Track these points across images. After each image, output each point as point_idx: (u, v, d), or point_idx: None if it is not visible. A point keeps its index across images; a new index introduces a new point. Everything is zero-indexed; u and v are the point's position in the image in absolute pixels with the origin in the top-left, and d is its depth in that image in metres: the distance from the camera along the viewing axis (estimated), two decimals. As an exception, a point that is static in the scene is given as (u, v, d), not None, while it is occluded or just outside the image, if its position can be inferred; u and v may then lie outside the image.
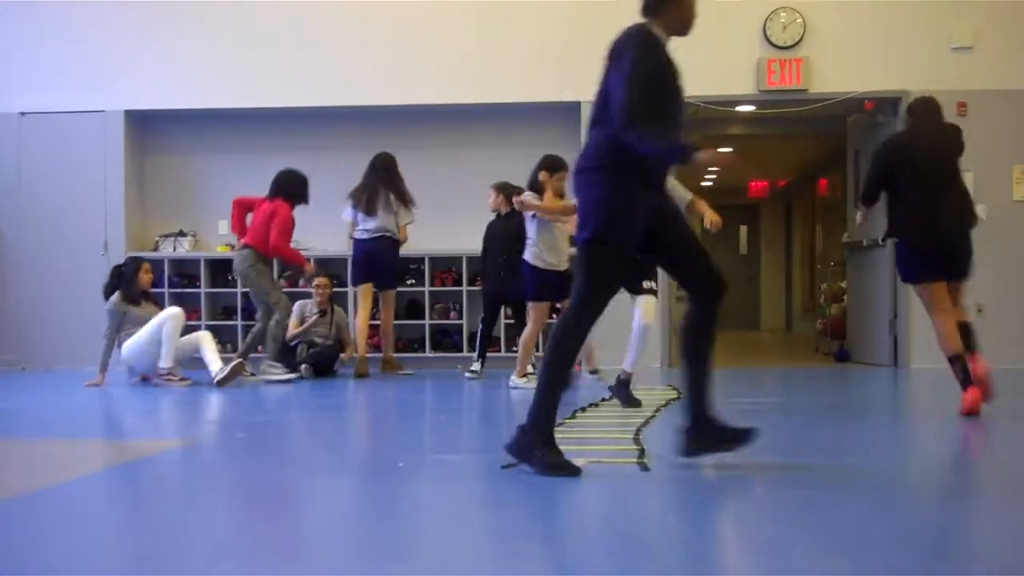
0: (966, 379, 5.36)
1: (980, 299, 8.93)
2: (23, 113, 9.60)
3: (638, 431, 4.85)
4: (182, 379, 7.63)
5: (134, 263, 8.04)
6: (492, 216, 8.26)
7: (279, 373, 7.88)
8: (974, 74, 8.90)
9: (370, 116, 9.58)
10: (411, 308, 9.57)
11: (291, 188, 8.12)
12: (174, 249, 9.68)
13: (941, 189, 5.46)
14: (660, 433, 4.96)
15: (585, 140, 4.03)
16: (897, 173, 5.54)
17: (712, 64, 9.09)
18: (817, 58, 8.99)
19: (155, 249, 9.72)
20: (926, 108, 5.83)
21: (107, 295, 7.89)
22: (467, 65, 9.28)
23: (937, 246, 5.43)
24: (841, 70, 9.01)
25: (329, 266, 9.41)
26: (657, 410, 5.74)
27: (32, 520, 3.29)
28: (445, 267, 9.55)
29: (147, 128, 9.90)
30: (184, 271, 9.79)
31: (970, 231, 5.51)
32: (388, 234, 8.28)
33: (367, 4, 9.42)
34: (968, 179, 8.80)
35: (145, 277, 7.98)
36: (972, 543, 2.96)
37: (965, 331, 5.56)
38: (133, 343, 7.71)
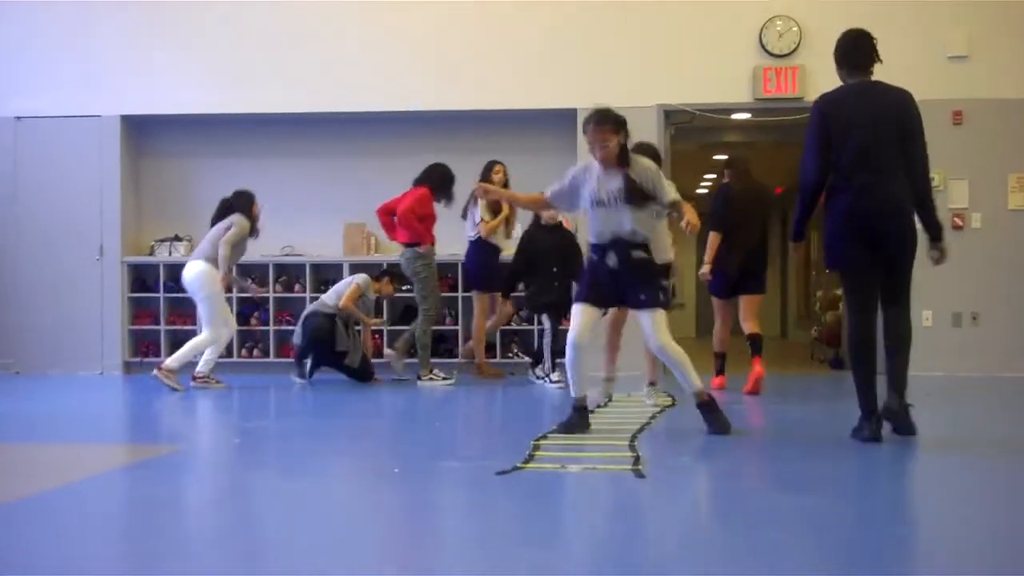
0: (721, 369, 7.74)
1: (975, 307, 8.96)
2: (19, 117, 9.59)
3: (633, 438, 4.85)
4: (178, 382, 7.60)
5: (247, 195, 8.03)
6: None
7: (438, 378, 8.03)
8: (970, 83, 8.92)
9: (367, 122, 9.57)
10: (407, 314, 9.56)
11: (435, 179, 8.12)
12: (170, 254, 9.66)
13: (748, 232, 7.50)
14: (655, 440, 4.97)
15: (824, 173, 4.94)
16: (728, 216, 7.45)
17: (708, 72, 9.12)
18: (813, 66, 9.00)
19: (151, 254, 9.71)
20: (743, 165, 7.92)
21: (216, 221, 7.93)
22: (463, 71, 9.28)
23: (739, 272, 7.48)
24: (837, 78, 8.98)
25: (324, 271, 9.42)
26: (652, 417, 5.73)
27: (30, 524, 3.29)
28: (441, 273, 9.53)
29: (143, 133, 9.89)
30: (179, 276, 9.72)
31: (765, 266, 7.82)
32: (470, 238, 8.51)
33: (363, 9, 9.41)
34: (963, 188, 8.92)
35: (256, 209, 8.02)
36: (965, 551, 2.97)
37: (757, 340, 7.54)
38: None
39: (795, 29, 9.04)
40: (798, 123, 9.43)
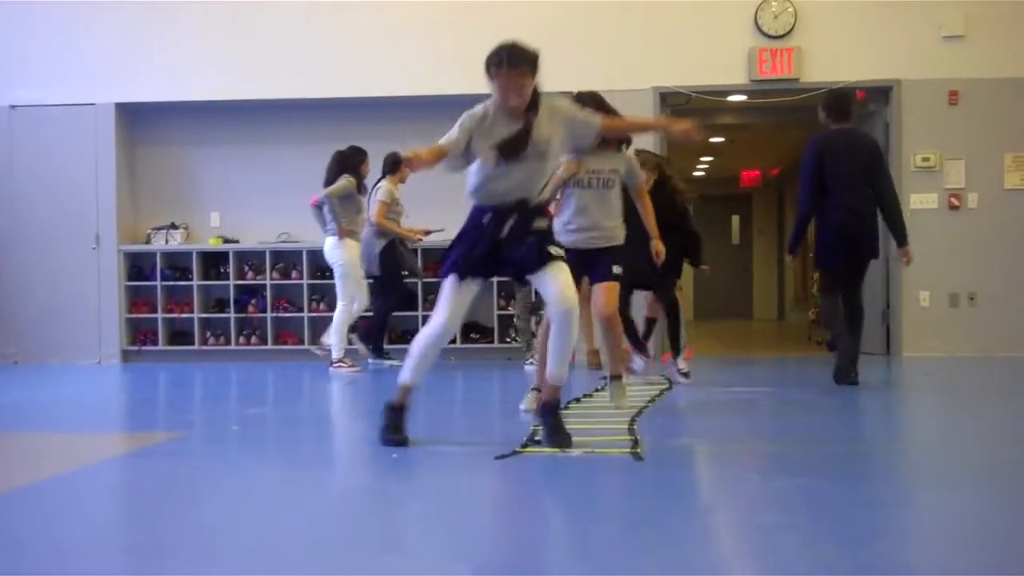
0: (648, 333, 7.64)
1: (972, 288, 8.97)
2: (13, 106, 9.56)
3: (632, 421, 4.86)
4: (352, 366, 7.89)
5: (358, 155, 8.10)
6: None
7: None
8: (965, 62, 8.91)
9: (363, 107, 9.55)
10: (404, 300, 9.55)
11: None
12: (166, 242, 9.66)
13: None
14: (653, 423, 4.97)
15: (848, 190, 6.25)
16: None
17: (704, 54, 9.10)
18: (809, 47, 8.99)
19: (147, 242, 9.70)
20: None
21: (329, 181, 7.94)
22: (462, 54, 9.19)
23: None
24: (832, 59, 9.02)
25: (321, 257, 9.40)
26: (651, 400, 5.74)
27: (34, 512, 3.29)
28: (436, 259, 9.52)
29: (138, 121, 9.86)
30: (176, 264, 9.76)
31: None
32: None
33: (358, -5, 9.39)
34: (959, 168, 8.91)
35: (365, 168, 8.13)
36: (965, 531, 2.98)
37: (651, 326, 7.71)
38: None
39: (790, 10, 9.01)
40: (794, 104, 9.43)
